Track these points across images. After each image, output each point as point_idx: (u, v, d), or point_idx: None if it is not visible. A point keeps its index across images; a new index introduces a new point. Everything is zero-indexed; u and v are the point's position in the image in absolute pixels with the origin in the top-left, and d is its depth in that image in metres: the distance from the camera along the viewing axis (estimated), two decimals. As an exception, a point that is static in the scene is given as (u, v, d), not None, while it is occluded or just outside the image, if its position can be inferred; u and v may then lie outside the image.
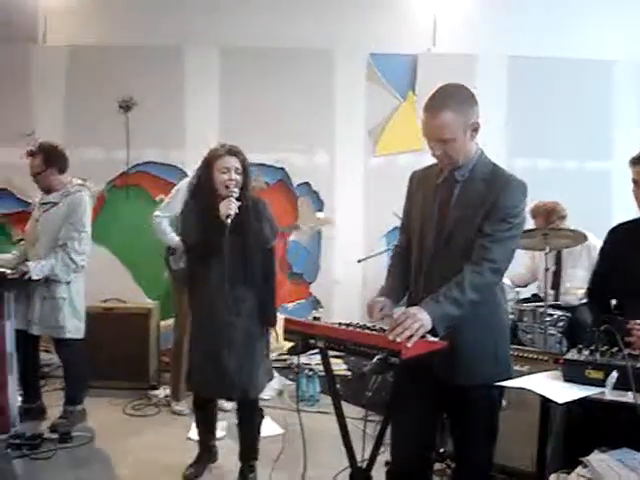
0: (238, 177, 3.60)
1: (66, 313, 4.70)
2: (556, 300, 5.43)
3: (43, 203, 4.85)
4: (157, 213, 5.10)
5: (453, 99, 2.57)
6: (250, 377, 3.69)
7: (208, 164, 3.65)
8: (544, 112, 6.73)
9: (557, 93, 6.74)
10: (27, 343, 4.80)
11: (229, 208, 3.48)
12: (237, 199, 3.54)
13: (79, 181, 4.89)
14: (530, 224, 5.23)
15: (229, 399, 4.16)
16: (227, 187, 3.56)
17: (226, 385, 3.66)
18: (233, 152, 3.65)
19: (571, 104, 6.73)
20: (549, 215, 5.47)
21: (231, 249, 3.52)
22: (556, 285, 5.57)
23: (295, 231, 5.81)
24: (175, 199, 4.88)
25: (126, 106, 6.65)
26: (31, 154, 4.81)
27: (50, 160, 4.77)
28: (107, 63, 6.65)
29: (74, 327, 4.75)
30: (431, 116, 2.58)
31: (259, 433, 3.97)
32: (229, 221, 3.46)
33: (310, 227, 5.77)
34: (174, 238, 4.91)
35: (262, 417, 4.00)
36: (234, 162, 3.61)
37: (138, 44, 6.60)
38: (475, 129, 2.62)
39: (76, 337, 4.77)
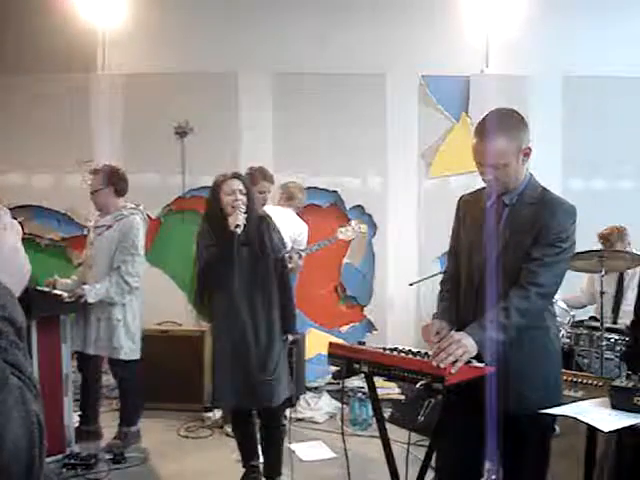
0: (243, 197, 3.87)
1: (121, 334, 4.77)
2: (614, 323, 5.30)
3: (97, 226, 4.97)
4: None
5: (506, 125, 2.56)
6: (270, 386, 3.82)
7: (216, 188, 3.94)
8: (599, 132, 6.60)
9: (612, 112, 6.61)
10: (87, 366, 4.90)
11: (237, 219, 3.77)
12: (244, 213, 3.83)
13: (132, 205, 5.00)
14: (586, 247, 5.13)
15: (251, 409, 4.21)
16: (233, 207, 3.83)
17: (247, 395, 3.82)
18: (237, 176, 3.98)
19: (627, 123, 6.59)
20: (622, 238, 5.37)
21: (245, 261, 3.84)
22: (616, 308, 5.45)
23: (333, 240, 5.80)
24: None
25: (182, 132, 6.77)
26: (94, 172, 4.99)
27: (109, 180, 4.90)
28: (163, 90, 6.79)
29: (129, 348, 4.82)
30: (485, 142, 2.56)
31: (282, 447, 4.09)
32: (239, 231, 3.76)
33: (348, 236, 5.77)
34: None
35: (284, 432, 4.15)
36: (238, 184, 3.90)
37: (193, 71, 6.72)
38: (526, 154, 2.61)
39: (131, 358, 4.84)
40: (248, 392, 3.80)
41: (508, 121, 2.60)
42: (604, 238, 5.44)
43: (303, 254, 5.28)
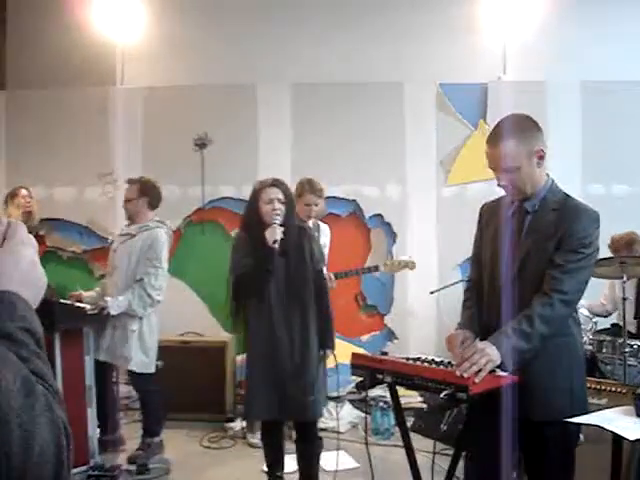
0: (282, 207, 3.76)
1: (133, 346, 4.76)
2: (638, 329, 5.26)
3: (121, 234, 5.03)
4: None
5: (514, 128, 2.57)
6: (307, 399, 3.71)
7: (254, 197, 3.83)
8: (619, 136, 6.56)
9: (632, 117, 6.57)
10: (102, 376, 4.92)
11: (275, 234, 3.64)
12: (281, 225, 3.71)
13: (159, 219, 5.05)
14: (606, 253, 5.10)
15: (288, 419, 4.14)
16: (271, 216, 3.73)
17: (283, 408, 3.70)
18: (276, 183, 3.82)
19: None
20: (630, 246, 5.32)
21: (282, 273, 3.72)
22: (637, 314, 5.40)
23: (374, 272, 5.83)
24: None
25: (202, 144, 6.80)
26: (130, 182, 5.07)
27: (144, 191, 4.97)
28: (182, 103, 6.85)
29: (140, 361, 4.79)
30: (494, 147, 2.59)
31: (318, 463, 3.98)
32: (276, 246, 3.63)
33: (392, 271, 5.80)
34: None
35: (321, 446, 4.01)
36: (277, 193, 3.77)
37: (211, 83, 6.78)
38: (540, 157, 2.60)
39: (143, 371, 4.82)
40: (285, 406, 3.69)
41: (517, 125, 2.61)
42: (612, 246, 5.39)
43: (333, 277, 5.26)
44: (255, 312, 3.80)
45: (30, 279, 1.04)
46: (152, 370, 4.88)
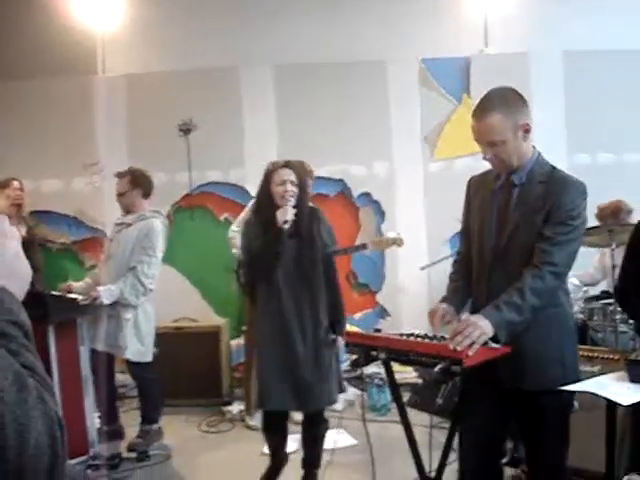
0: (294, 188, 3.70)
1: (128, 334, 4.74)
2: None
3: (118, 224, 5.02)
4: (233, 228, 5.42)
5: (499, 102, 2.57)
6: (321, 387, 3.67)
7: (266, 178, 3.77)
8: (603, 106, 6.58)
9: (615, 85, 6.59)
10: (99, 365, 4.92)
11: (285, 214, 3.60)
12: (293, 207, 3.66)
13: (153, 208, 5.05)
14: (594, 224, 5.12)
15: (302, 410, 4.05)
16: (283, 198, 3.66)
17: (298, 397, 3.65)
18: (289, 165, 3.76)
19: (630, 96, 6.57)
20: (616, 215, 5.35)
21: (294, 256, 3.67)
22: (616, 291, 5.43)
23: (363, 251, 5.83)
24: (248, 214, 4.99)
25: (186, 129, 6.77)
26: (119, 175, 5.01)
27: (136, 182, 4.94)
28: (165, 89, 6.81)
29: (136, 350, 4.78)
30: (478, 120, 2.59)
31: (323, 443, 3.96)
32: (286, 226, 3.60)
33: (380, 248, 5.79)
34: None
35: (327, 428, 3.97)
36: (289, 174, 3.70)
37: (194, 68, 6.74)
38: (526, 130, 2.61)
39: (139, 360, 4.81)
40: (300, 396, 3.64)
41: (503, 99, 2.61)
42: (599, 215, 5.43)
43: None
44: (264, 294, 3.74)
45: (15, 271, 1.04)
46: (149, 359, 4.88)
